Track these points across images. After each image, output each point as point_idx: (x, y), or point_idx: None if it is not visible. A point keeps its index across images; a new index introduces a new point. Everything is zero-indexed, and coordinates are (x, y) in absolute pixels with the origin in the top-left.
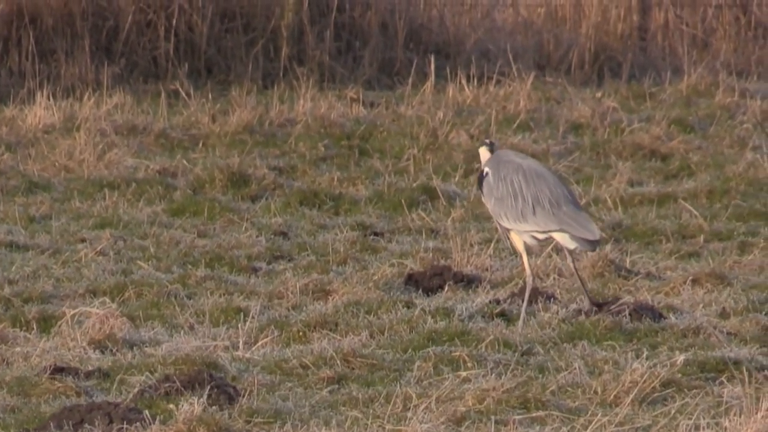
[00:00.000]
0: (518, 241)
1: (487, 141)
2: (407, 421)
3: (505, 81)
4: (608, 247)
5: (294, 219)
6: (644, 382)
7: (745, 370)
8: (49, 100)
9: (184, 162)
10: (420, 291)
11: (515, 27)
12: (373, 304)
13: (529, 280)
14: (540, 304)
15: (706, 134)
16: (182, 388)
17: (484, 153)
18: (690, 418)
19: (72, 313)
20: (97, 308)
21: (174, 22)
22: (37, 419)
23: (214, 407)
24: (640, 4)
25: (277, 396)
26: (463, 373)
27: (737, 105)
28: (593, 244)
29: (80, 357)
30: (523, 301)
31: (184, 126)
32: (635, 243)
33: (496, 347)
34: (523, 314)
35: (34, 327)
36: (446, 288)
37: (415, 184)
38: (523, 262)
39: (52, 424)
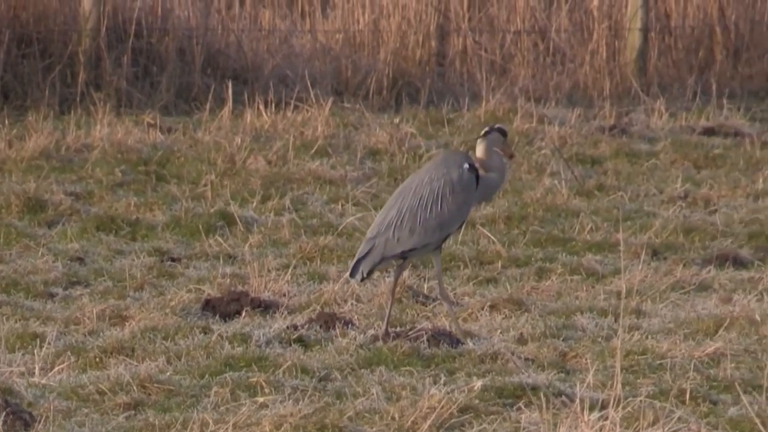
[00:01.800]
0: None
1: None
2: None
3: (303, 107)
4: (406, 273)
5: (91, 244)
6: (442, 407)
7: (542, 396)
8: None
9: None
10: (217, 317)
11: (313, 53)
12: (170, 329)
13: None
14: (337, 330)
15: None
16: None
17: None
18: None
19: None
20: None
21: None
22: None
23: None
24: (438, 30)
25: (74, 422)
26: (261, 399)
27: (535, 131)
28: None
29: None
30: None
31: None
32: (433, 269)
33: (294, 373)
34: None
35: None
36: (243, 314)
37: (212, 210)
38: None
39: None
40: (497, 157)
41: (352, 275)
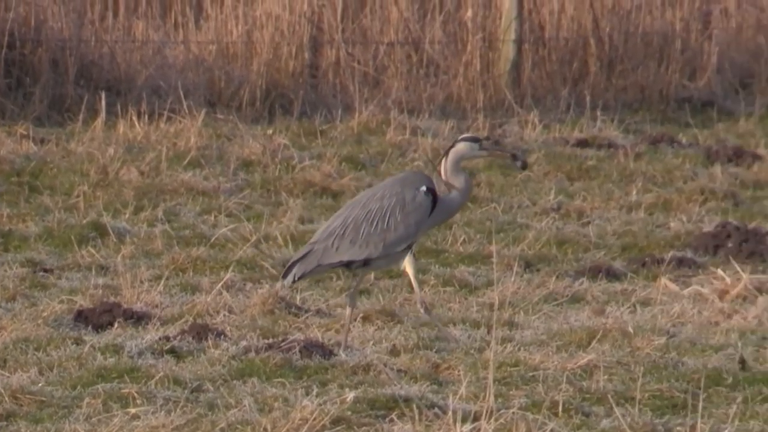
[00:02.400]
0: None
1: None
2: None
3: (176, 118)
4: (278, 285)
5: None
6: (314, 419)
7: (415, 408)
8: None
9: None
10: (89, 327)
11: (186, 64)
12: (42, 340)
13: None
14: (210, 341)
15: (377, 172)
16: None
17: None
18: None
19: None
20: None
21: None
22: None
23: None
24: (311, 42)
25: None
26: (133, 410)
27: (408, 142)
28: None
29: None
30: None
31: None
32: (306, 280)
33: (166, 384)
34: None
35: None
36: (116, 324)
37: (85, 221)
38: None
39: None
40: (461, 174)
41: (283, 277)
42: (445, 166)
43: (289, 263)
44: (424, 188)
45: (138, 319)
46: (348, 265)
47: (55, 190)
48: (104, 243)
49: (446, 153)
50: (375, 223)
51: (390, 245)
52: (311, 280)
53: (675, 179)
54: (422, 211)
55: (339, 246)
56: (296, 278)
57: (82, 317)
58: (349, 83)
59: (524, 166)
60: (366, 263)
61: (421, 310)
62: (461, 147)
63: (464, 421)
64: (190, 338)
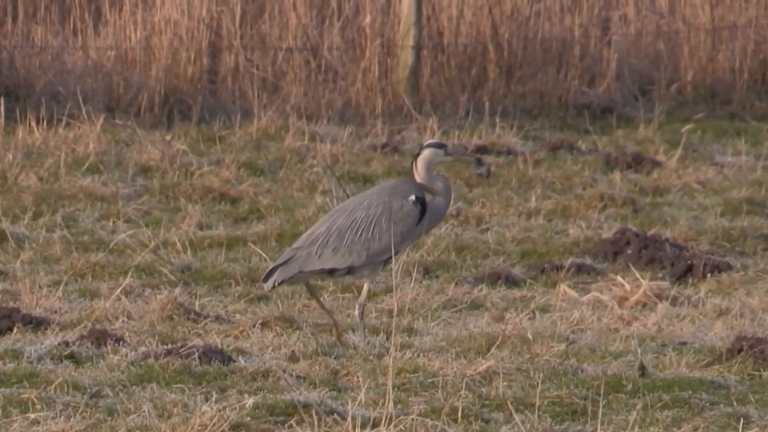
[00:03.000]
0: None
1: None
2: None
3: (75, 123)
4: (177, 290)
5: None
6: (213, 425)
7: (314, 414)
8: None
9: None
10: None
11: (85, 69)
12: None
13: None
14: (109, 347)
15: (276, 177)
16: None
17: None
18: None
19: None
20: None
21: None
22: None
23: None
24: (210, 48)
25: None
26: (32, 416)
27: (307, 148)
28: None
29: None
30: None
31: None
32: (204, 286)
33: (65, 389)
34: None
35: None
36: (15, 330)
37: None
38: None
39: None
40: (438, 178)
41: (264, 280)
42: (418, 173)
43: (270, 267)
44: (413, 197)
45: (37, 324)
46: (331, 272)
47: None
48: (3, 248)
49: (414, 160)
50: (360, 232)
51: (374, 255)
52: (210, 286)
53: (574, 186)
54: (410, 220)
55: (322, 254)
56: (276, 283)
57: None
58: (247, 89)
59: (488, 173)
60: (349, 271)
61: (357, 315)
62: (427, 153)
63: (363, 427)
64: (89, 344)
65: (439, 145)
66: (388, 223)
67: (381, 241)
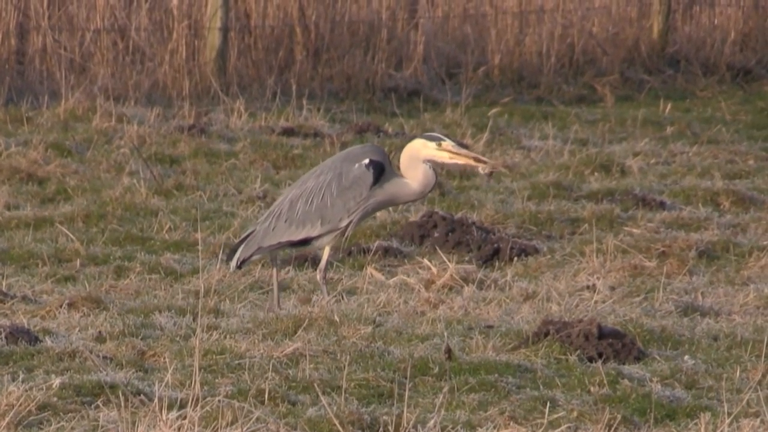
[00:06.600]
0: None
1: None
2: None
3: None
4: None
5: None
6: (20, 405)
7: (121, 394)
8: None
9: None
10: None
11: None
12: None
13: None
14: None
15: (83, 158)
16: None
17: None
18: None
19: None
20: None
21: None
22: None
23: None
24: (17, 28)
25: None
26: None
27: (114, 130)
28: None
29: None
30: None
31: None
32: (12, 266)
33: None
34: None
35: None
36: None
37: None
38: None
39: None
40: (418, 170)
41: (227, 260)
42: (400, 161)
43: (233, 245)
44: (366, 161)
45: None
46: (292, 245)
47: None
48: None
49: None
50: (310, 201)
51: (329, 222)
52: (17, 267)
53: None
54: (361, 184)
55: (276, 226)
56: (239, 262)
57: None
58: (55, 70)
59: (491, 173)
60: (307, 241)
61: (319, 279)
62: (415, 143)
63: (170, 408)
64: None
65: (432, 138)
66: (339, 188)
67: (334, 208)
